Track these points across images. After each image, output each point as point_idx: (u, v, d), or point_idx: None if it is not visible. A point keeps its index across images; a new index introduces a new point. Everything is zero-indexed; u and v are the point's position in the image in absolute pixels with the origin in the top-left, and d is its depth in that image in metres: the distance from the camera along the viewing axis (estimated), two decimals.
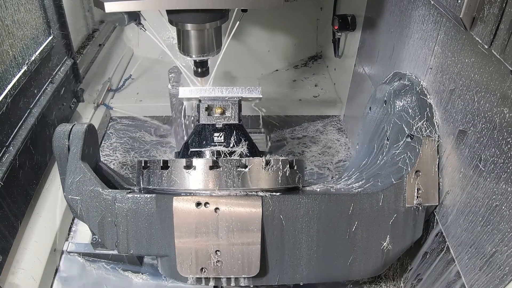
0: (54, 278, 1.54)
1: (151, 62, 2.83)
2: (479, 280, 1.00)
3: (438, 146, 1.21)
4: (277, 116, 2.45)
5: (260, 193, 1.18)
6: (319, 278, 1.27)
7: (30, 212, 1.59)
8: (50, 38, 1.81)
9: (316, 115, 2.49)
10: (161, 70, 2.31)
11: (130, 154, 2.14)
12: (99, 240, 1.52)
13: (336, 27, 2.16)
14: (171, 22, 1.45)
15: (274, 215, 1.17)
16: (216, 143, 1.43)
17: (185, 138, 1.86)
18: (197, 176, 1.17)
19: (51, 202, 1.67)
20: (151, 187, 1.22)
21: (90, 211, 1.22)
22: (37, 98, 1.68)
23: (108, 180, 1.41)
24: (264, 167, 1.18)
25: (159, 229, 1.18)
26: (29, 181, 1.59)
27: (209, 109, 1.48)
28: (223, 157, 1.34)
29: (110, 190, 1.22)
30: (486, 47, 0.92)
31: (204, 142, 1.44)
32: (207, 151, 1.41)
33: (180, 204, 1.15)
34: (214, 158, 1.23)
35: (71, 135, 1.35)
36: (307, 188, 1.30)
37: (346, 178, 1.46)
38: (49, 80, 1.82)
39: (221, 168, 1.17)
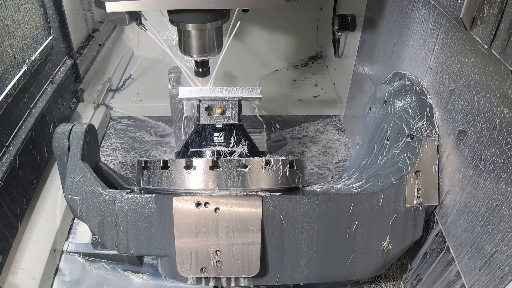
0: (54, 278, 1.54)
1: (151, 62, 2.83)
2: (479, 280, 1.00)
3: (438, 146, 1.21)
4: (277, 116, 2.45)
5: (260, 193, 1.18)
6: (319, 278, 1.27)
7: (30, 212, 1.59)
8: (50, 38, 1.81)
9: (316, 115, 2.49)
10: (161, 70, 2.31)
11: (130, 154, 2.14)
12: (99, 240, 1.52)
13: (336, 27, 2.16)
14: (172, 22, 1.45)
15: (274, 215, 1.17)
16: (216, 143, 1.43)
17: (185, 138, 1.86)
18: (197, 176, 1.17)
19: (51, 202, 1.67)
20: (151, 187, 1.22)
21: (90, 211, 1.22)
22: (37, 98, 1.68)
23: (108, 180, 1.41)
24: (264, 167, 1.18)
25: (159, 229, 1.18)
26: (29, 181, 1.59)
27: (209, 109, 1.48)
28: (223, 157, 1.34)
29: (110, 190, 1.22)
30: (486, 47, 0.92)
31: (204, 142, 1.44)
32: (207, 151, 1.41)
33: (180, 204, 1.15)
34: (214, 158, 1.23)
35: (71, 135, 1.35)
36: (307, 188, 1.30)
37: (346, 178, 1.46)
38: (49, 80, 1.81)
39: (221, 168, 1.17)
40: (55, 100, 1.83)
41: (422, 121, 1.22)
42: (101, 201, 1.20)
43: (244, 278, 1.21)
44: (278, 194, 1.19)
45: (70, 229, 1.72)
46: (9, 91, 1.44)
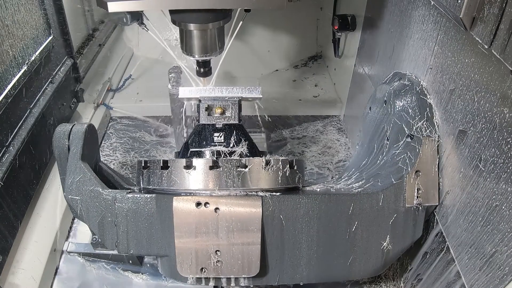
0: (54, 278, 1.54)
1: (151, 62, 2.83)
2: (479, 280, 1.00)
3: (438, 146, 1.21)
4: (277, 116, 2.45)
5: (260, 193, 1.18)
6: (319, 278, 1.27)
7: (30, 212, 1.59)
8: (50, 38, 1.81)
9: (316, 115, 2.49)
10: (161, 70, 2.31)
11: (130, 154, 2.14)
12: (99, 240, 1.52)
13: (336, 27, 2.16)
14: (174, 22, 1.45)
15: (274, 215, 1.17)
16: (216, 143, 1.43)
17: (185, 138, 1.86)
18: (197, 176, 1.17)
19: (51, 202, 1.67)
20: (151, 187, 1.22)
21: (90, 211, 1.22)
22: (37, 98, 1.68)
23: (108, 180, 1.41)
24: (264, 167, 1.18)
25: (159, 229, 1.18)
26: (29, 181, 1.59)
27: (209, 109, 1.48)
28: (223, 157, 1.34)
29: (110, 190, 1.22)
30: (486, 47, 0.92)
31: (204, 142, 1.44)
32: (207, 151, 1.40)
33: (180, 204, 1.15)
34: (214, 158, 1.23)
35: (71, 135, 1.35)
36: (307, 188, 1.30)
37: (346, 178, 1.46)
38: (49, 80, 1.82)
39: (221, 168, 1.17)
40: (55, 100, 1.83)
41: (422, 121, 1.22)
42: (101, 201, 1.20)
43: (244, 278, 1.21)
44: (278, 194, 1.19)
45: (70, 229, 1.72)
46: (9, 91, 1.44)
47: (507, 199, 0.90)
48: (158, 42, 1.71)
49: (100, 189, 1.22)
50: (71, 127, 1.37)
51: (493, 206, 0.95)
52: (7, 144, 1.44)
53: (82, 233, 1.69)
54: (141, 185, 1.24)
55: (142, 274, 1.57)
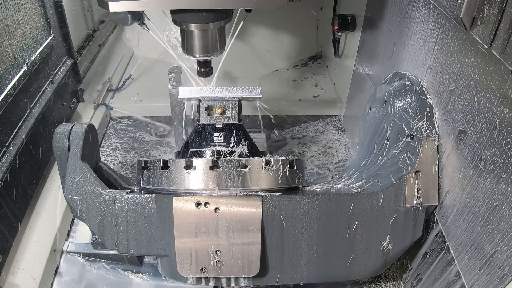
0: (54, 278, 1.54)
1: (151, 62, 2.83)
2: (479, 280, 1.00)
3: (438, 146, 1.21)
4: (277, 116, 2.45)
5: (260, 193, 1.18)
6: (319, 278, 1.27)
7: (30, 212, 1.59)
8: (50, 38, 1.81)
9: (316, 115, 2.49)
10: (161, 70, 2.31)
11: (130, 154, 2.14)
12: (99, 240, 1.52)
13: (336, 27, 2.16)
14: (175, 22, 1.45)
15: (274, 215, 1.17)
16: (216, 143, 1.43)
17: (185, 138, 1.86)
18: (197, 176, 1.17)
19: (51, 202, 1.67)
20: (151, 187, 1.22)
21: (90, 211, 1.22)
22: (37, 98, 1.68)
23: (108, 180, 1.41)
24: (264, 167, 1.18)
25: (159, 229, 1.18)
26: (29, 181, 1.59)
27: (209, 109, 1.48)
28: (223, 157, 1.34)
29: (110, 190, 1.22)
30: (486, 47, 0.92)
31: (204, 142, 1.44)
32: (207, 151, 1.41)
33: (180, 204, 1.15)
34: (214, 158, 1.23)
35: (71, 135, 1.35)
36: (307, 188, 1.30)
37: (346, 178, 1.46)
38: (49, 80, 1.82)
39: (221, 168, 1.17)
40: (55, 100, 1.83)
41: (422, 121, 1.22)
42: (101, 201, 1.20)
43: (244, 278, 1.21)
44: (278, 194, 1.19)
45: (70, 229, 1.72)
46: (9, 91, 1.44)
47: (507, 199, 0.90)
48: (158, 42, 1.71)
49: (100, 189, 1.22)
50: (71, 127, 1.37)
51: (493, 206, 0.95)
52: (7, 144, 1.44)
53: (82, 233, 1.69)
54: (141, 185, 1.24)
55: (142, 274, 1.57)
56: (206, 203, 1.15)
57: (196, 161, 1.18)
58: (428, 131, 1.21)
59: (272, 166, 1.19)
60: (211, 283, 1.23)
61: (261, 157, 1.30)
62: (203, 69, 1.61)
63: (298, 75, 2.85)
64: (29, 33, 1.64)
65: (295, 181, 1.24)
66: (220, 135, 1.44)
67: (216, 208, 1.15)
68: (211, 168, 1.17)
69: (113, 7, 1.28)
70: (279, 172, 1.19)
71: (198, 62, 1.58)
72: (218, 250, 1.17)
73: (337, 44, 2.37)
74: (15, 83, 1.48)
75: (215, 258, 1.17)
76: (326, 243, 1.22)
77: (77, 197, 1.23)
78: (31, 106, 1.63)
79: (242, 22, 1.63)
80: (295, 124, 2.42)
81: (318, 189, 1.30)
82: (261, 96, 1.54)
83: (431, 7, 1.24)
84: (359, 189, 1.28)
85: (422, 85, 1.30)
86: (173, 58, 1.73)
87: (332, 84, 2.72)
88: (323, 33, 2.87)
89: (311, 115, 2.49)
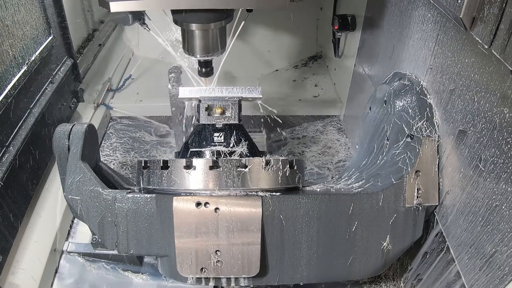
0: (54, 278, 1.54)
1: (151, 62, 2.83)
2: (479, 280, 1.00)
3: (438, 146, 1.21)
4: (277, 116, 2.44)
5: (260, 193, 1.18)
6: (319, 278, 1.27)
7: (30, 212, 1.59)
8: (50, 38, 1.81)
9: (316, 115, 2.49)
10: (161, 70, 2.31)
11: (130, 154, 2.14)
12: (99, 240, 1.52)
13: (336, 27, 2.16)
14: (176, 22, 1.45)
15: (274, 215, 1.17)
16: (216, 143, 1.43)
17: (185, 138, 1.85)
18: (197, 176, 1.17)
19: (51, 202, 1.67)
20: (151, 187, 1.22)
21: (90, 211, 1.22)
22: (37, 98, 1.68)
23: (108, 180, 1.41)
24: (264, 167, 1.18)
25: (159, 229, 1.18)
26: (29, 181, 1.59)
27: (209, 109, 1.48)
28: (223, 157, 1.34)
29: (110, 190, 1.22)
30: (486, 47, 0.92)
31: (204, 142, 1.44)
32: (207, 151, 1.41)
33: (180, 204, 1.15)
34: (214, 158, 1.23)
35: (71, 135, 1.35)
36: (307, 188, 1.30)
37: (346, 178, 1.46)
38: (49, 80, 1.81)
39: (221, 168, 1.17)
40: (55, 100, 1.83)
41: (422, 121, 1.22)
42: (101, 201, 1.20)
43: (244, 278, 1.21)
44: (278, 194, 1.19)
45: (70, 229, 1.72)
46: (9, 91, 1.44)
47: (507, 199, 0.90)
48: (158, 42, 1.71)
49: (100, 189, 1.22)
50: (71, 127, 1.37)
51: (493, 206, 0.95)
52: (7, 144, 1.44)
53: (82, 233, 1.69)
54: (141, 185, 1.24)
55: (142, 274, 1.57)
56: (206, 203, 1.15)
57: (196, 161, 1.18)
58: (428, 131, 1.21)
59: (272, 166, 1.19)
60: (211, 283, 1.23)
61: (261, 157, 1.30)
62: (204, 69, 1.61)
63: (298, 75, 2.85)
64: (29, 33, 1.64)
65: (295, 181, 1.24)
66: (220, 135, 1.44)
67: (216, 208, 1.15)
68: (211, 168, 1.17)
69: (114, 7, 1.27)
70: (279, 172, 1.19)
71: (199, 62, 1.58)
72: (218, 250, 1.17)
73: (337, 44, 2.37)
74: (15, 83, 1.48)
75: (215, 258, 1.17)
76: (326, 243, 1.22)
77: (77, 197, 1.23)
78: (31, 106, 1.63)
79: (243, 22, 1.63)
80: (295, 124, 2.42)
81: (318, 189, 1.30)
82: (261, 96, 1.54)
83: (431, 7, 1.24)
84: (359, 189, 1.28)
85: (422, 85, 1.30)
86: (173, 58, 1.73)
87: (332, 84, 2.72)
88: (323, 33, 2.87)
89: (311, 115, 2.49)
